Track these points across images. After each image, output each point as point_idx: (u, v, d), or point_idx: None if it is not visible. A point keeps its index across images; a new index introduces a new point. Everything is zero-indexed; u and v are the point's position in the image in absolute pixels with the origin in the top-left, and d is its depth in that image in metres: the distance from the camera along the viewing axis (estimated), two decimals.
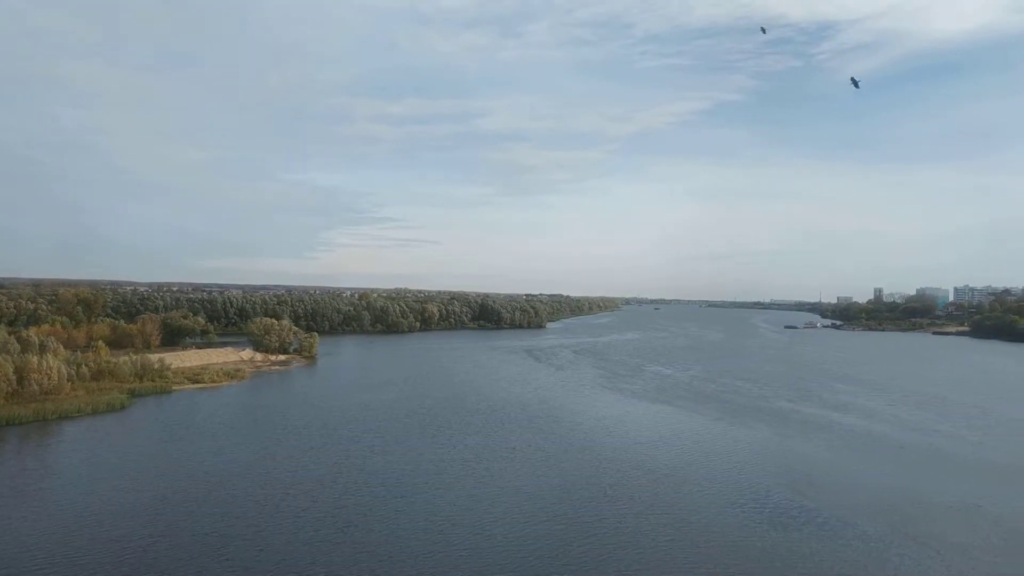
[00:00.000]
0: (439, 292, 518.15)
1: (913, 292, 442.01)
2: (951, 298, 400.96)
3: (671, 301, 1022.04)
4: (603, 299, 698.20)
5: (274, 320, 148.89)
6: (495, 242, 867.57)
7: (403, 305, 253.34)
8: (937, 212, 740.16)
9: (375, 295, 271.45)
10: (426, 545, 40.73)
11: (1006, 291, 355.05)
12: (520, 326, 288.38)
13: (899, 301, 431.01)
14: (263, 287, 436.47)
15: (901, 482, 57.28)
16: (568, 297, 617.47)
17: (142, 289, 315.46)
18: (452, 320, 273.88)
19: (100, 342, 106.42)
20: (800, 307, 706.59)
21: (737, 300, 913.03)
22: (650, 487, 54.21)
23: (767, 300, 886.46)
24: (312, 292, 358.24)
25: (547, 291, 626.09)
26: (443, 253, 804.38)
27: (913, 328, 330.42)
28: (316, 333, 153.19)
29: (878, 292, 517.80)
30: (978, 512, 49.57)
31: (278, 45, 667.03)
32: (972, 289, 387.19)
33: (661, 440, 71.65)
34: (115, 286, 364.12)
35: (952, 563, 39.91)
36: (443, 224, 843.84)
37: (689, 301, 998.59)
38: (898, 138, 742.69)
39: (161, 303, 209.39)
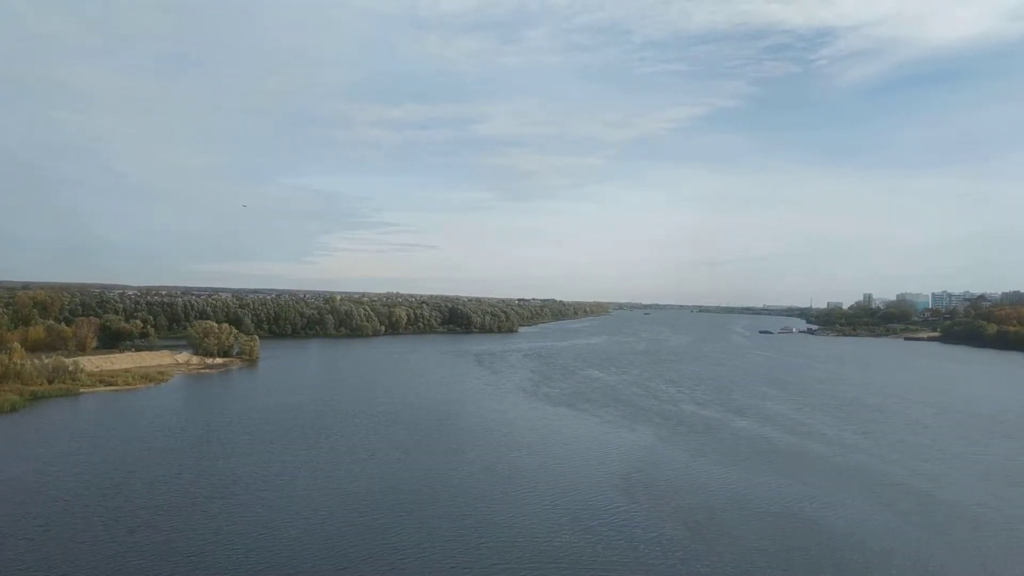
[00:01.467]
0: (431, 296, 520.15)
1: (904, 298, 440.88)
2: (931, 304, 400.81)
3: (665, 306, 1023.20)
4: (593, 304, 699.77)
5: (214, 323, 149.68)
6: (493, 247, 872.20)
7: (368, 309, 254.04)
8: (936, 218, 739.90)
9: (339, 298, 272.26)
10: (208, 546, 41.31)
11: (981, 297, 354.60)
12: (491, 330, 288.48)
13: (881, 307, 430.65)
14: (260, 291, 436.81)
15: (741, 486, 57.56)
16: (559, 302, 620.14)
17: (130, 292, 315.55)
18: (421, 324, 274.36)
19: (16, 344, 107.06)
20: (790, 312, 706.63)
21: (731, 305, 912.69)
22: (482, 488, 54.71)
23: (760, 305, 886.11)
24: (303, 296, 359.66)
25: (544, 296, 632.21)
26: (441, 258, 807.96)
27: (887, 334, 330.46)
28: (257, 336, 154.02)
29: (867, 297, 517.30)
30: (795, 518, 49.68)
31: (278, 49, 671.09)
32: (950, 295, 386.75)
33: (533, 442, 72.14)
34: (105, 289, 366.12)
35: (722, 566, 40.37)
36: (442, 229, 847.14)
37: (683, 306, 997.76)
38: (897, 144, 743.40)
39: (121, 306, 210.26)
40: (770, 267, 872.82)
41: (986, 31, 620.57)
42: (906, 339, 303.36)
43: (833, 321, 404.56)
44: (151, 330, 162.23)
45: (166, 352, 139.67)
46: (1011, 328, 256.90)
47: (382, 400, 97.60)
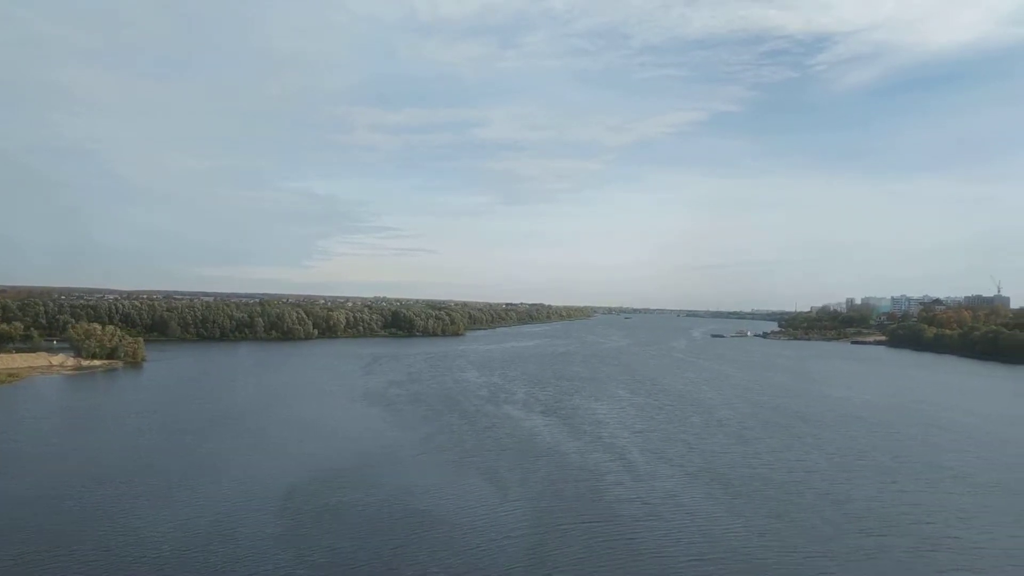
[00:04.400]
0: (417, 300, 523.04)
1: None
2: (891, 307, 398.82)
3: (656, 311, 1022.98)
4: (573, 308, 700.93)
5: (96, 325, 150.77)
6: (492, 251, 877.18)
7: (302, 312, 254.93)
8: (934, 222, 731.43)
9: (274, 302, 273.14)
10: None
11: (936, 301, 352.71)
12: (434, 334, 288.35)
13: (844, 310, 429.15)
14: (256, 295, 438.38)
15: (420, 484, 57.59)
16: (546, 306, 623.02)
17: (110, 297, 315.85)
18: (361, 328, 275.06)
19: None
20: (773, 316, 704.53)
21: (720, 309, 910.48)
22: (176, 485, 55.04)
23: (748, 309, 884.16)
24: (291, 300, 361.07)
25: (538, 300, 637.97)
26: (440, 262, 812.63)
27: (839, 337, 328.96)
28: (141, 339, 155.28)
29: (849, 301, 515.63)
30: (425, 513, 49.95)
31: (278, 54, 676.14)
32: (908, 299, 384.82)
33: (285, 441, 72.41)
34: (90, 293, 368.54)
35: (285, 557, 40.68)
36: (441, 233, 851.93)
37: (674, 311, 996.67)
38: (896, 148, 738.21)
39: (42, 309, 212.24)
40: (766, 271, 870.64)
41: (984, 35, 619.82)
42: (853, 343, 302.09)
43: (796, 325, 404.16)
44: (33, 332, 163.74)
45: (43, 354, 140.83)
46: (947, 332, 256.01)
47: (204, 402, 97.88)
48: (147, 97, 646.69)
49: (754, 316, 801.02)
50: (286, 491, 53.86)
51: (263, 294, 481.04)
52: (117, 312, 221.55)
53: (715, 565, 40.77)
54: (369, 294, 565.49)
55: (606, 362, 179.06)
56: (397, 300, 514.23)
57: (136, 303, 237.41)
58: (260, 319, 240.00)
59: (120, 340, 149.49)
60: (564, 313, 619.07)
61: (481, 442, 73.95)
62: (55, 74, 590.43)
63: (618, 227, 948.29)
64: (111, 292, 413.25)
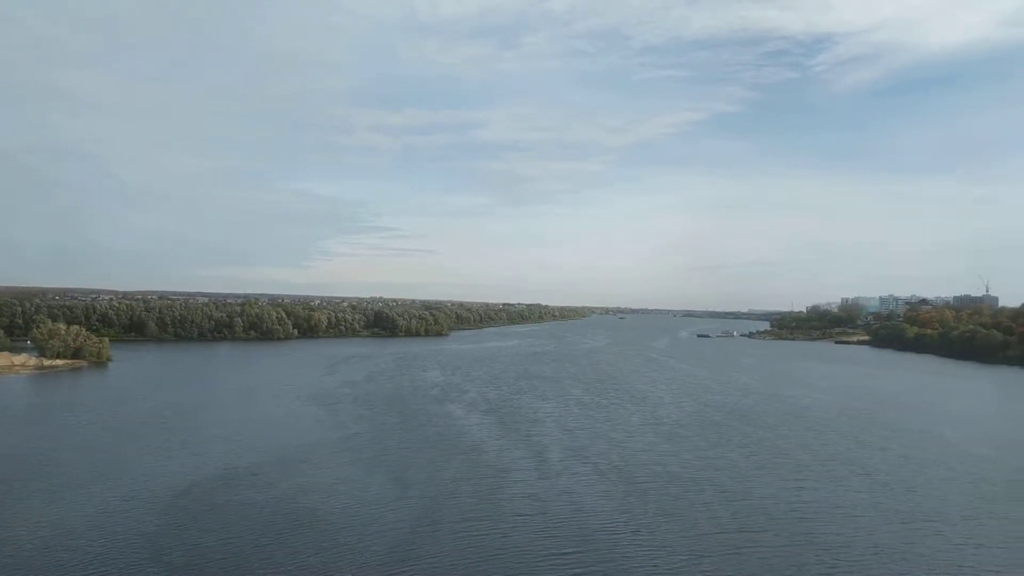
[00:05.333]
0: (413, 301, 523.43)
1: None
2: (879, 307, 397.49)
3: (653, 311, 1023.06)
4: (570, 308, 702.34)
5: (61, 326, 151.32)
6: (492, 252, 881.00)
7: (282, 312, 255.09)
8: (934, 222, 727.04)
9: (255, 303, 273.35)
10: None
11: (923, 300, 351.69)
12: (417, 334, 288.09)
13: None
14: (253, 295, 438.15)
15: (336, 483, 57.78)
16: (543, 306, 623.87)
17: (105, 298, 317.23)
18: (343, 328, 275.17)
19: None
20: (768, 317, 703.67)
21: (717, 310, 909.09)
22: (74, 483, 55.17)
23: (745, 309, 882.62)
24: (290, 300, 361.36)
25: (541, 300, 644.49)
26: (441, 263, 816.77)
27: (823, 337, 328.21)
28: (107, 339, 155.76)
29: (843, 301, 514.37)
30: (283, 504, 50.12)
31: (278, 55, 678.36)
32: (896, 299, 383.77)
33: (192, 441, 72.14)
34: (85, 294, 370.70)
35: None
36: (441, 234, 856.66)
37: (670, 311, 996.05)
38: (896, 148, 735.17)
39: (19, 309, 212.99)
40: (766, 271, 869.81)
41: (984, 36, 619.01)
42: (836, 343, 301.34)
43: (785, 325, 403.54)
44: None
45: (5, 354, 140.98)
46: (928, 331, 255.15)
47: (151, 402, 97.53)
48: (147, 98, 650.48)
49: (751, 316, 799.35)
50: (182, 490, 53.86)
51: (263, 294, 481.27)
52: (95, 312, 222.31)
53: (573, 558, 40.71)
54: (368, 294, 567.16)
55: (576, 362, 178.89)
56: (395, 300, 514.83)
57: (115, 303, 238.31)
58: (239, 319, 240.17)
59: (85, 340, 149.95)
60: (558, 313, 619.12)
61: (404, 441, 73.90)
62: (55, 75, 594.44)
63: (618, 228, 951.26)
64: (108, 292, 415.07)
